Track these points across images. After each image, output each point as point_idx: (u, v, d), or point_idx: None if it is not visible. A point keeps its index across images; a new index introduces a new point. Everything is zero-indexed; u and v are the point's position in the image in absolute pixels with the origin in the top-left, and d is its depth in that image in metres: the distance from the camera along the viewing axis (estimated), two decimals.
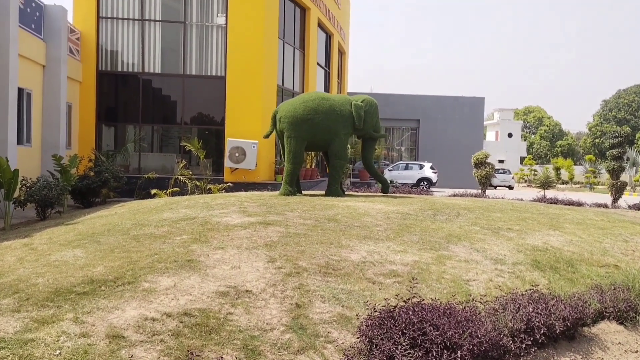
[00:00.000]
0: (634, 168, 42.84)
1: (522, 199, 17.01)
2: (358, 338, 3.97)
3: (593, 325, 5.06)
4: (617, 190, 17.83)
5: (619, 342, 4.86)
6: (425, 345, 3.55)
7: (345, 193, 12.95)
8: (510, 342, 4.01)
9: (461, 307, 4.19)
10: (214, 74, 19.52)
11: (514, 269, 6.66)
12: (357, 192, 16.39)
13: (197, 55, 19.56)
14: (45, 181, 12.21)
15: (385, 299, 4.54)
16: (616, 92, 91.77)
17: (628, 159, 43.78)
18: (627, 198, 25.67)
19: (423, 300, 4.28)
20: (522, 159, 56.41)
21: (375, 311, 4.11)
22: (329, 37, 28.56)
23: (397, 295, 4.46)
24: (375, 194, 13.61)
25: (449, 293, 5.57)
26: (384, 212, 9.27)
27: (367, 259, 6.28)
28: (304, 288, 5.14)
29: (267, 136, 12.07)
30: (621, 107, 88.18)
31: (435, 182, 31.37)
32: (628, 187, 39.41)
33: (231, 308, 4.55)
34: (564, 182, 50.02)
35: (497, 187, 39.42)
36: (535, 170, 39.62)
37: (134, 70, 19.68)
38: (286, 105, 11.59)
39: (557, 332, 4.28)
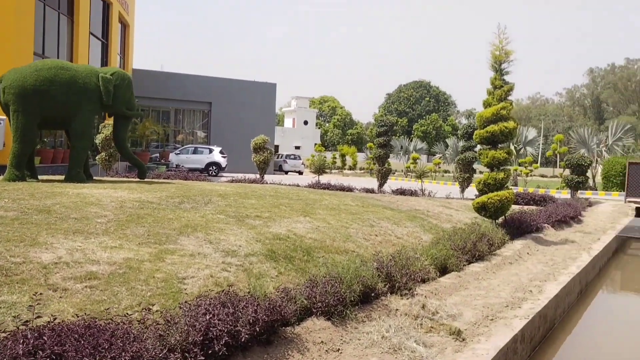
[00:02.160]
0: (407, 156, 47.50)
1: (297, 184, 17.17)
2: None
3: (298, 324, 4.65)
4: (383, 176, 19.08)
5: (322, 341, 4.49)
6: None
7: (95, 178, 11.43)
8: (180, 359, 3.32)
9: (115, 323, 3.36)
10: None
11: (244, 262, 6.12)
12: (128, 177, 14.88)
13: None
14: None
15: (15, 318, 3.49)
16: (398, 86, 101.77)
17: (402, 147, 48.44)
18: (400, 183, 28.06)
19: (56, 319, 3.34)
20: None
21: None
22: (106, 6, 25.87)
23: (16, 317, 3.45)
24: (129, 179, 12.31)
25: (155, 295, 4.77)
26: (121, 200, 8.13)
27: (63, 259, 5.16)
28: None
29: None
30: (402, 101, 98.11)
31: (225, 167, 30.59)
32: (401, 173, 43.62)
33: None
34: (350, 168, 53.60)
35: (289, 172, 40.36)
36: (324, 157, 41.50)
37: None
38: (13, 74, 9.66)
39: (243, 340, 3.72)
